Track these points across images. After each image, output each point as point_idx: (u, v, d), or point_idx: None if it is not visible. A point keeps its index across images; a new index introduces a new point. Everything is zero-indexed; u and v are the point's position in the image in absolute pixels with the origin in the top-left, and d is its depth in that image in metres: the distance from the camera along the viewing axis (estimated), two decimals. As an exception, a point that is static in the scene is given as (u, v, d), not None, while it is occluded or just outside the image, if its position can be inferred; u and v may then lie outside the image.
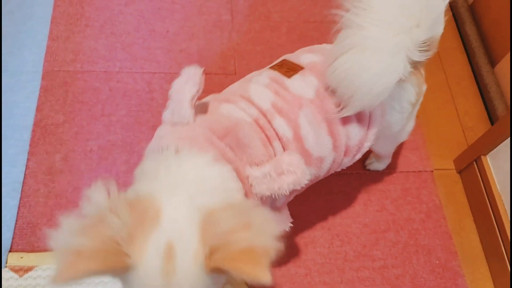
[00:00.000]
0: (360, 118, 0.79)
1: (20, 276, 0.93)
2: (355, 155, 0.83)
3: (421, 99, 0.88)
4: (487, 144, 1.10)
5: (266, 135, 0.72)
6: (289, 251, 1.05)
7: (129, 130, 1.17)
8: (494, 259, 1.08)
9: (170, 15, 1.37)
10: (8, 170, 1.06)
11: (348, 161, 0.84)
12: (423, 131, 1.28)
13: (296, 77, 0.77)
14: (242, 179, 0.68)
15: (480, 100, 1.35)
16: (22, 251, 0.97)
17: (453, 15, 1.49)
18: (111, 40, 1.29)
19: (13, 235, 0.99)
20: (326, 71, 0.74)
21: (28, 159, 1.09)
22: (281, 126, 0.73)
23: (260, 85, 0.77)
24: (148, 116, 1.19)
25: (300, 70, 0.78)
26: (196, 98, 0.69)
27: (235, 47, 1.34)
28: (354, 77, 0.71)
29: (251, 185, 0.68)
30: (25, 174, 1.06)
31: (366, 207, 1.14)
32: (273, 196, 0.69)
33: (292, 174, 0.67)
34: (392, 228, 1.12)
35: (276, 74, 0.79)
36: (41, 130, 1.13)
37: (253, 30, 1.38)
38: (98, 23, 1.32)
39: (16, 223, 1.00)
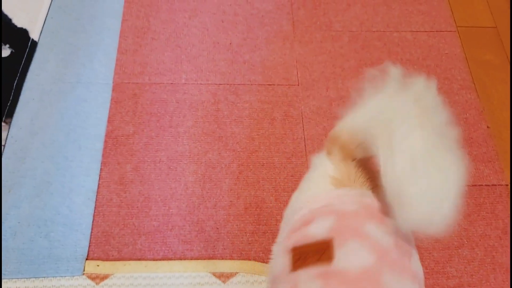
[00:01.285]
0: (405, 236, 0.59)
1: (97, 283, 0.96)
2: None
3: None
4: None
5: None
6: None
7: (196, 141, 1.18)
8: None
9: (233, 27, 1.38)
10: (83, 179, 1.09)
11: None
12: (495, 143, 1.22)
13: (340, 252, 0.53)
14: None
15: (557, 110, 1.28)
16: (98, 259, 1.00)
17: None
18: (177, 53, 1.32)
19: (89, 243, 1.02)
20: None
21: (101, 169, 1.12)
22: None
23: None
24: (214, 127, 1.21)
25: (330, 244, 0.54)
26: None
27: (298, 57, 1.34)
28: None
29: None
30: (98, 184, 1.10)
31: (437, 221, 1.10)
32: None
33: None
34: (466, 245, 1.07)
35: (313, 270, 0.53)
36: (113, 140, 1.16)
37: (314, 40, 1.38)
38: (164, 36, 1.35)
39: (91, 232, 1.03)
